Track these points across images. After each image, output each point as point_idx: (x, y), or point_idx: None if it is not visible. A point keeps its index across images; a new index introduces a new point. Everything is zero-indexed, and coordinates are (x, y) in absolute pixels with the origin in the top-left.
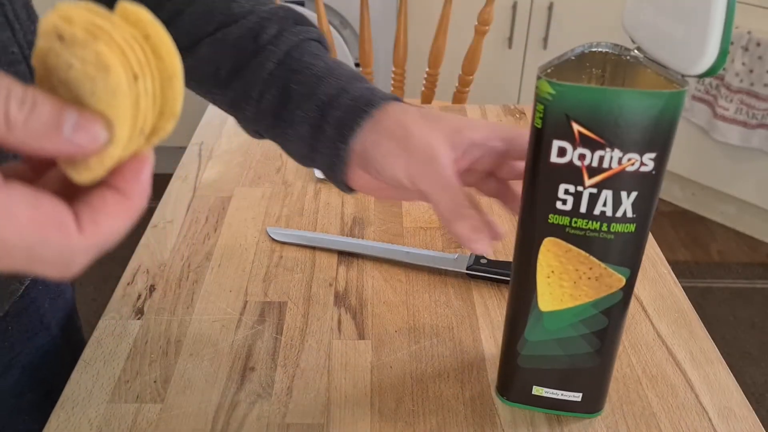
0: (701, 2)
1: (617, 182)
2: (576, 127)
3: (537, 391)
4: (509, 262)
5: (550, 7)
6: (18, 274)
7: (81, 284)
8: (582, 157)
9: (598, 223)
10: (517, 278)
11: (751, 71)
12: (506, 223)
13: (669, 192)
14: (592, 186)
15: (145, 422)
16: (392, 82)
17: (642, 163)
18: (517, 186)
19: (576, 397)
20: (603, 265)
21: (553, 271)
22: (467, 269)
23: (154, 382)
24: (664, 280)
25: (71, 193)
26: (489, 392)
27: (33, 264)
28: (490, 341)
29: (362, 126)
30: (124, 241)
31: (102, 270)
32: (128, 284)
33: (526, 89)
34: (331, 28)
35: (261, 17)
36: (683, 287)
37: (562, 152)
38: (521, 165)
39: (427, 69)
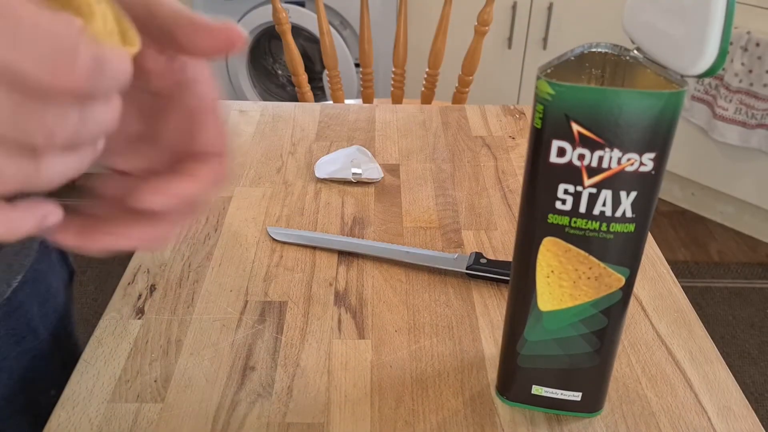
0: (701, 2)
1: (617, 182)
2: (575, 127)
3: (537, 390)
4: (509, 262)
5: (550, 8)
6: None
7: (81, 284)
8: (581, 157)
9: (598, 222)
10: (516, 278)
11: (750, 71)
12: (506, 222)
13: (668, 192)
14: (591, 186)
15: (145, 422)
16: (392, 82)
17: (641, 163)
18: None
19: (575, 396)
20: (602, 264)
21: (552, 271)
22: (467, 269)
23: (155, 381)
24: (663, 280)
25: None
26: (489, 392)
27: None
28: (490, 341)
29: None
30: None
31: (102, 269)
32: (129, 284)
33: (525, 89)
34: (331, 28)
35: None
36: (683, 287)
37: (561, 152)
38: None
39: (427, 69)
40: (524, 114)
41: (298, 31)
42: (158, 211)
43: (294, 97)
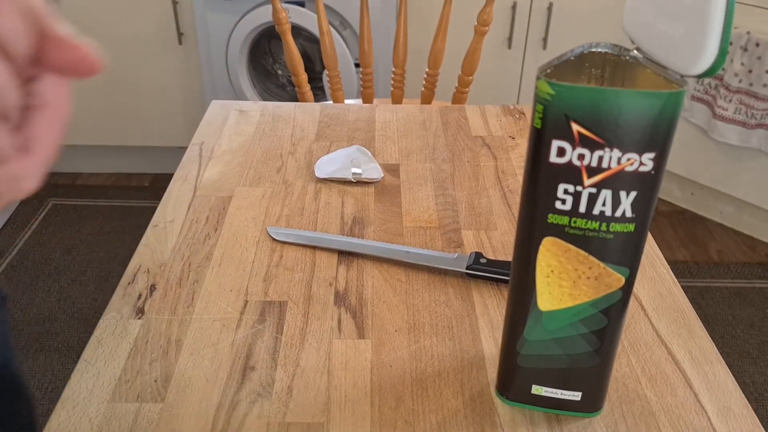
0: (700, 2)
1: (616, 182)
2: (575, 127)
3: (536, 390)
4: (509, 262)
5: (550, 8)
6: None
7: (81, 284)
8: (581, 157)
9: (598, 222)
10: (516, 278)
11: (750, 71)
12: (506, 222)
13: (668, 192)
14: (591, 186)
15: (145, 421)
16: (392, 82)
17: (641, 163)
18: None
19: (575, 396)
20: (602, 264)
21: (552, 271)
22: (467, 269)
23: (155, 381)
24: (663, 280)
25: None
26: (489, 391)
27: None
28: (490, 341)
29: None
30: (125, 241)
31: (103, 269)
32: (129, 284)
33: (525, 89)
34: (331, 28)
35: None
36: (682, 287)
37: (561, 152)
38: None
39: (427, 69)
40: (524, 114)
41: (298, 31)
42: None
43: (294, 97)
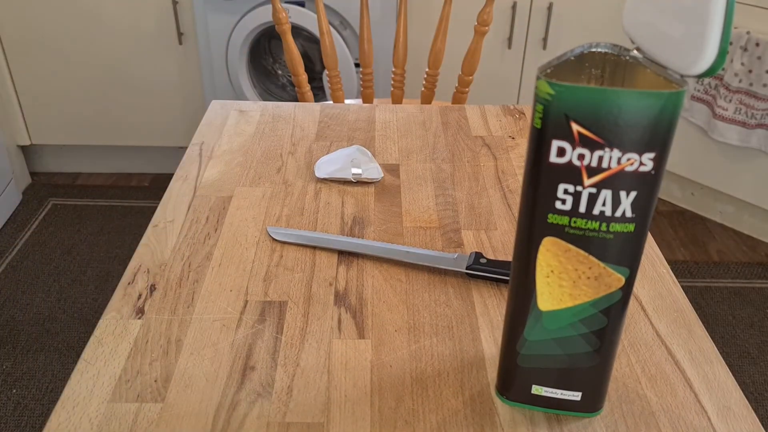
0: (700, 3)
1: (616, 182)
2: (575, 127)
3: (536, 390)
4: (509, 262)
5: (550, 8)
6: None
7: (81, 284)
8: (581, 157)
9: (598, 222)
10: (516, 278)
11: (750, 71)
12: (506, 222)
13: (668, 192)
14: (591, 186)
15: (145, 421)
16: (392, 82)
17: (641, 163)
18: None
19: (575, 396)
20: (602, 264)
21: (552, 271)
22: (467, 269)
23: (155, 381)
24: (663, 280)
25: None
26: (489, 391)
27: None
28: (490, 341)
29: None
30: (125, 241)
31: (103, 269)
32: (129, 284)
33: (525, 89)
34: (331, 28)
35: None
36: (682, 287)
37: (561, 152)
38: None
39: (427, 69)
40: (524, 114)
41: (298, 31)
42: None
43: (294, 98)
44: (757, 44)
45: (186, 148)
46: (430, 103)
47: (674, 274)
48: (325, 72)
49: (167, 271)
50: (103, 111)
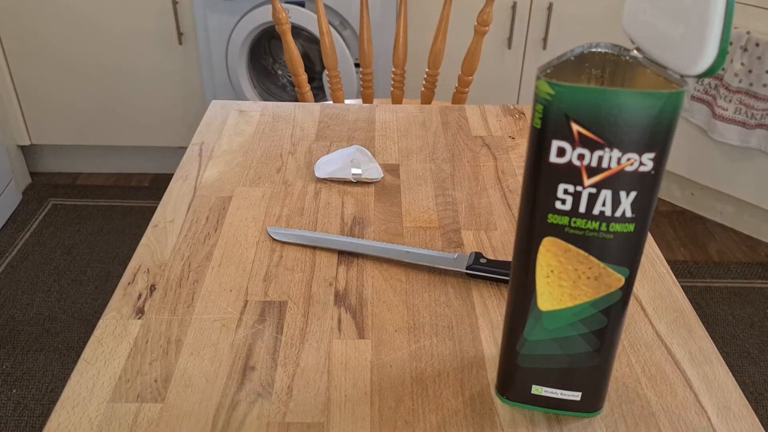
0: (700, 3)
1: (616, 182)
2: (575, 127)
3: (536, 390)
4: (509, 262)
5: (550, 8)
6: None
7: (81, 283)
8: (581, 157)
9: (597, 222)
10: (516, 278)
11: (750, 71)
12: (506, 222)
13: (668, 192)
14: (591, 186)
15: (145, 421)
16: (392, 82)
17: (641, 163)
18: None
19: (575, 396)
20: (602, 264)
21: (552, 271)
22: (467, 269)
23: (155, 381)
24: (663, 280)
25: None
26: (488, 392)
27: None
28: (490, 341)
29: None
30: (125, 241)
31: (103, 269)
32: (129, 284)
33: (525, 89)
34: (331, 28)
35: None
36: (682, 287)
37: (561, 152)
38: None
39: (427, 69)
40: (524, 114)
41: (298, 31)
42: None
43: (294, 98)
44: (757, 44)
45: (186, 148)
46: (430, 103)
47: (674, 274)
48: (325, 72)
49: (167, 271)
50: (103, 111)
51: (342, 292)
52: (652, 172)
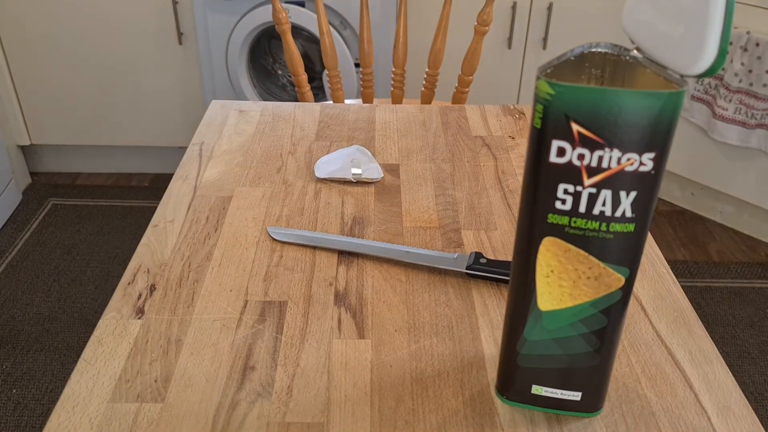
0: (700, 3)
1: (616, 182)
2: (575, 127)
3: (536, 390)
4: (509, 262)
5: (550, 8)
6: None
7: (81, 283)
8: (581, 157)
9: (598, 222)
10: (516, 278)
11: (750, 71)
12: (506, 222)
13: (668, 192)
14: (591, 186)
15: (145, 421)
16: (392, 82)
17: (641, 163)
18: None
19: (575, 396)
20: (602, 264)
21: (552, 271)
22: (467, 269)
23: (155, 381)
24: (663, 280)
25: None
26: (489, 391)
27: None
28: (490, 341)
29: None
30: (125, 241)
31: (103, 269)
32: (129, 284)
33: (525, 89)
34: (331, 28)
35: None
36: (682, 287)
37: (561, 152)
38: None
39: (427, 69)
40: (524, 114)
41: (298, 31)
42: None
43: (294, 98)
44: (757, 44)
45: (186, 148)
46: (430, 103)
47: (674, 274)
48: (325, 72)
49: (167, 271)
50: (103, 111)
51: (342, 292)
52: (652, 172)
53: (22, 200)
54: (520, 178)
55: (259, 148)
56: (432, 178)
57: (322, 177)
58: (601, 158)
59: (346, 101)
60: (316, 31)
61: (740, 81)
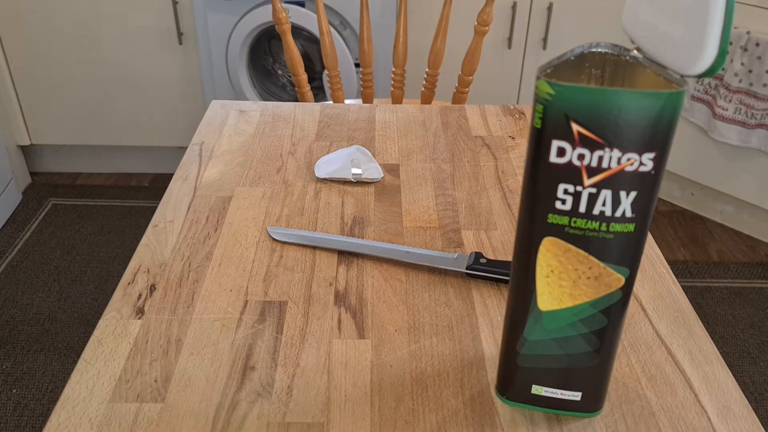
0: (700, 3)
1: (616, 182)
2: (575, 127)
3: (536, 390)
4: (509, 262)
5: (550, 8)
6: None
7: (81, 283)
8: (581, 157)
9: (598, 222)
10: (516, 278)
11: (750, 71)
12: (506, 222)
13: (668, 192)
14: (591, 186)
15: (145, 421)
16: (392, 82)
17: (641, 163)
18: None
19: (575, 396)
20: (602, 264)
21: (552, 271)
22: (467, 269)
23: (155, 381)
24: (663, 280)
25: None
26: (489, 392)
27: None
28: (490, 341)
29: None
30: (125, 241)
31: (103, 269)
32: (129, 284)
33: (525, 89)
34: (331, 28)
35: None
36: (682, 287)
37: (561, 152)
38: None
39: (427, 69)
40: (524, 114)
41: (298, 31)
42: None
43: (294, 98)
44: (757, 44)
45: (186, 148)
46: (430, 103)
47: (674, 274)
48: (325, 72)
49: (167, 271)
50: (103, 111)
51: (342, 292)
52: (652, 172)
53: (22, 200)
54: (520, 178)
55: (259, 148)
56: (432, 178)
57: (322, 177)
58: (601, 158)
59: (346, 101)
60: (316, 31)
61: (740, 81)
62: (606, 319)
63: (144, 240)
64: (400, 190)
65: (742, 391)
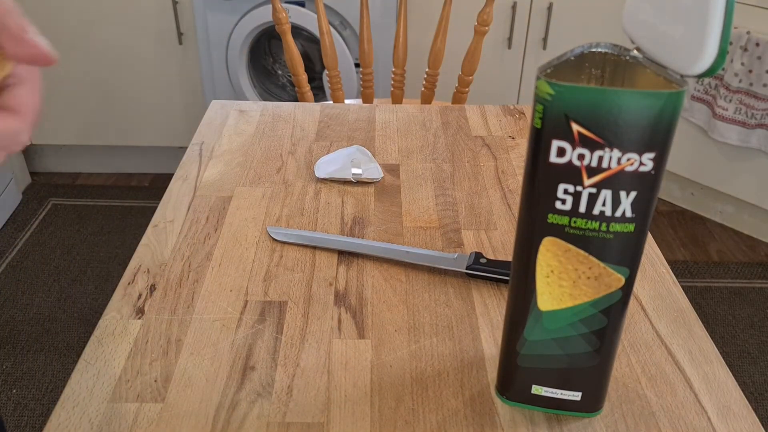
0: (700, 3)
1: (616, 182)
2: (575, 127)
3: (536, 390)
4: (509, 262)
5: (550, 8)
6: None
7: (81, 283)
8: (581, 157)
9: (598, 222)
10: (516, 278)
11: (750, 71)
12: (506, 222)
13: (668, 192)
14: (591, 186)
15: (145, 421)
16: (392, 82)
17: (641, 163)
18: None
19: (575, 396)
20: (602, 264)
21: (552, 271)
22: (467, 269)
23: (155, 381)
24: (663, 280)
25: None
26: (489, 392)
27: None
28: (490, 341)
29: None
30: (125, 241)
31: (103, 269)
32: (129, 284)
33: (525, 89)
34: (331, 28)
35: None
36: (682, 287)
37: (561, 152)
38: None
39: (427, 69)
40: (524, 114)
41: (298, 31)
42: None
43: (294, 98)
44: (757, 44)
45: (186, 148)
46: (430, 103)
47: (674, 274)
48: (325, 72)
49: (167, 271)
50: (103, 111)
51: (342, 292)
52: (652, 172)
53: (22, 200)
54: (520, 178)
55: (259, 148)
56: (432, 178)
57: (322, 177)
58: (601, 158)
59: (346, 101)
60: (316, 31)
61: (740, 81)
62: (606, 319)
63: (144, 240)
64: (400, 190)
65: (742, 391)
